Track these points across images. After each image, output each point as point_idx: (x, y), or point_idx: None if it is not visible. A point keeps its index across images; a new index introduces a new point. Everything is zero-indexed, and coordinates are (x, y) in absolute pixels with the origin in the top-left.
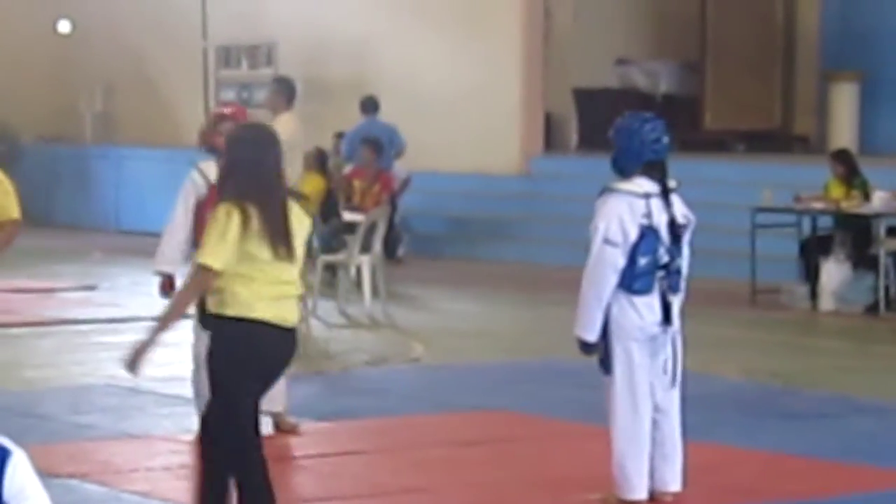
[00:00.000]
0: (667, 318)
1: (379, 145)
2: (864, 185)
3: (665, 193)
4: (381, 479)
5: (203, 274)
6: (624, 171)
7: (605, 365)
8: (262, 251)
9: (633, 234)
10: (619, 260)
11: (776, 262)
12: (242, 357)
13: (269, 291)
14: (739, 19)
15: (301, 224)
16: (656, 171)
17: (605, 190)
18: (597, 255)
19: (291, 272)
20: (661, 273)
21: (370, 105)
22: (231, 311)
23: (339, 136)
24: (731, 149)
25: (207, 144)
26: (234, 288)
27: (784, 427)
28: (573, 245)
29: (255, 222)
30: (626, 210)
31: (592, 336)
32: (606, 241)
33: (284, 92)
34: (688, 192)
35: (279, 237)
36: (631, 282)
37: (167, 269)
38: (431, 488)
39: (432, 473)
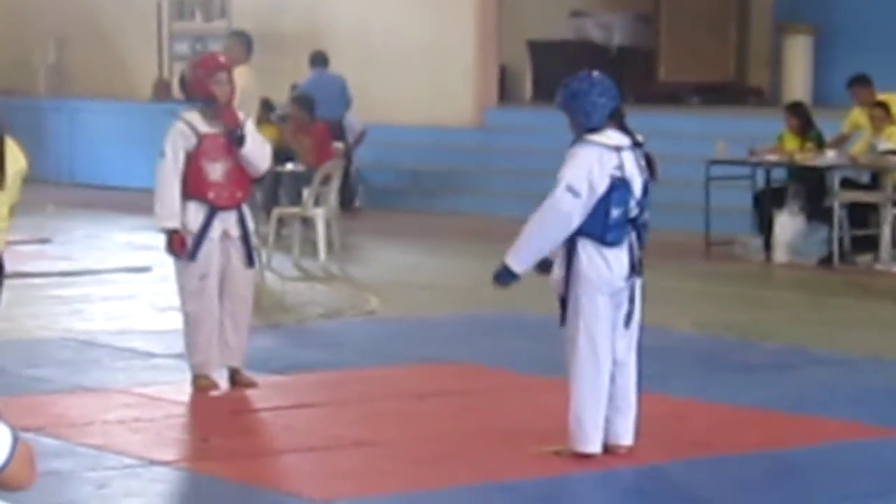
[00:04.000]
0: (633, 270)
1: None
2: (819, 137)
3: (636, 146)
4: (336, 431)
5: None
6: (594, 129)
7: (565, 317)
8: None
9: (602, 187)
10: (577, 211)
11: (730, 215)
12: None
13: None
14: None
15: (15, 162)
16: (620, 121)
17: (577, 141)
18: (554, 200)
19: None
20: (629, 226)
21: (319, 59)
22: None
23: (295, 87)
24: (686, 101)
25: (201, 94)
26: None
27: (738, 379)
28: (528, 197)
29: None
30: (596, 161)
31: (521, 268)
32: (569, 188)
33: (243, 44)
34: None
35: None
36: (604, 233)
37: (172, 224)
38: (386, 441)
39: (387, 426)
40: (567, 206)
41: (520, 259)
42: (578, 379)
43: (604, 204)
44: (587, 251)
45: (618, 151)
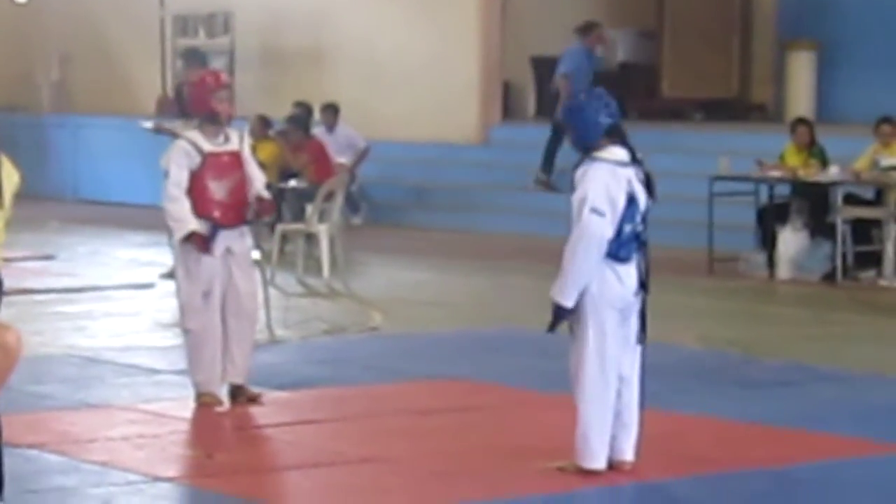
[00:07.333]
0: (641, 286)
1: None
2: (822, 153)
3: (636, 162)
4: (342, 447)
5: None
6: (590, 146)
7: (573, 332)
8: None
9: (621, 201)
10: (607, 230)
11: (734, 231)
12: None
13: None
14: None
15: (9, 178)
16: (621, 138)
17: (586, 160)
18: (583, 226)
19: None
20: (636, 242)
21: None
22: None
23: (299, 104)
24: (689, 117)
25: (203, 111)
26: None
27: (742, 395)
28: (531, 213)
29: None
30: (611, 178)
31: (571, 302)
32: (594, 210)
33: (197, 63)
34: (645, 161)
35: None
36: (617, 250)
37: (190, 228)
38: (391, 457)
39: (392, 442)
40: (596, 228)
41: (566, 293)
42: (586, 396)
43: (619, 220)
44: (600, 268)
45: (625, 167)
